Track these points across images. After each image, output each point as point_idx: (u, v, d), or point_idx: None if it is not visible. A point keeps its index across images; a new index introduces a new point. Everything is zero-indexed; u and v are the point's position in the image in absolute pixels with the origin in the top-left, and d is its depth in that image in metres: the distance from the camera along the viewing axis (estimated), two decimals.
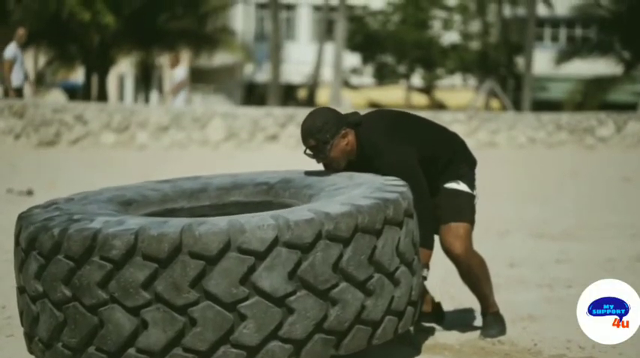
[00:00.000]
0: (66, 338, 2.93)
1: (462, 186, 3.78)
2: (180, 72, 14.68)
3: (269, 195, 3.63)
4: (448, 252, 3.79)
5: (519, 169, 12.46)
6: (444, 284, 5.00)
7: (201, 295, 2.82)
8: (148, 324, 2.83)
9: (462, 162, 3.80)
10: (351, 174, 3.52)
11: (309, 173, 3.65)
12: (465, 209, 3.77)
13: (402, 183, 3.38)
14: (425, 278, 3.55)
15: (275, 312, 2.87)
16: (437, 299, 4.17)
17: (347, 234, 2.98)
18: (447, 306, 4.50)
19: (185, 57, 27.74)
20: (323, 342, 2.96)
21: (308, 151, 3.58)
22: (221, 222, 2.86)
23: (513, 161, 13.50)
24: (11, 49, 12.81)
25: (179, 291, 2.81)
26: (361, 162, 3.61)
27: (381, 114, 3.82)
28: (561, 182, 10.90)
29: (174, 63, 14.81)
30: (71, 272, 2.89)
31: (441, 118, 14.22)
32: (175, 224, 2.86)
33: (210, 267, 2.81)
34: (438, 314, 4.13)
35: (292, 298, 2.89)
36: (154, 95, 31.35)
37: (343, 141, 3.56)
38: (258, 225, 2.85)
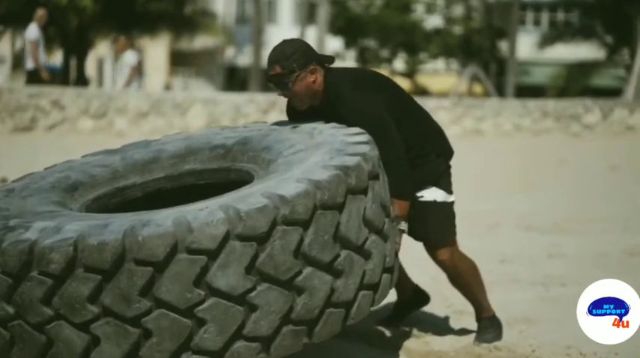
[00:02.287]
0: (16, 357, 2.74)
1: (439, 196, 3.55)
2: (132, 57, 13.94)
3: (226, 159, 3.36)
4: (434, 258, 3.64)
5: (506, 158, 12.38)
6: (436, 282, 4.82)
7: (152, 303, 2.63)
8: (100, 339, 2.65)
9: (437, 152, 3.55)
10: (311, 129, 3.27)
11: (267, 131, 3.39)
12: (448, 229, 3.60)
13: (364, 138, 3.13)
14: (404, 231, 3.33)
15: (236, 311, 2.68)
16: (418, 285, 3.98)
17: (306, 216, 2.75)
18: (439, 308, 4.35)
19: (165, 39, 27.39)
20: (293, 334, 2.79)
21: (271, 80, 3.32)
22: (166, 220, 2.65)
23: (500, 149, 13.42)
24: (34, 31, 12.77)
25: (128, 302, 2.62)
26: (325, 109, 3.36)
27: (353, 68, 3.63)
28: (549, 171, 10.82)
29: (123, 47, 13.93)
30: (11, 288, 2.70)
31: (426, 104, 13.97)
32: (117, 228, 2.65)
33: (159, 273, 2.62)
34: (419, 298, 3.95)
35: (253, 294, 2.70)
36: None
37: (310, 77, 3.31)
38: (207, 222, 2.63)
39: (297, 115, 3.46)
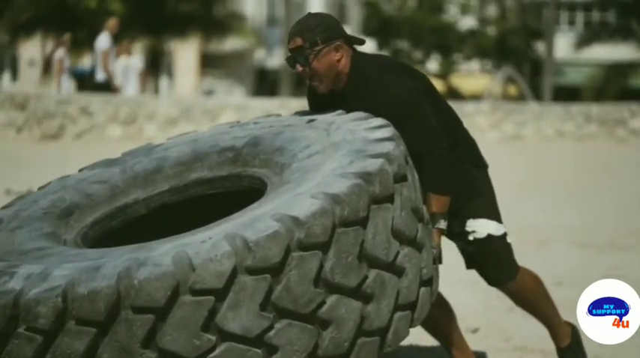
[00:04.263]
0: None
1: (492, 228, 3.12)
2: (137, 62, 14.45)
3: (236, 164, 3.00)
4: None
5: (550, 166, 12.05)
6: (489, 310, 4.45)
7: (157, 355, 2.34)
8: None
9: (473, 162, 3.14)
10: (328, 124, 2.88)
11: (279, 128, 2.99)
12: (510, 264, 3.19)
13: (388, 133, 2.74)
14: (443, 231, 2.91)
15: (253, 355, 2.37)
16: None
17: (324, 238, 2.42)
18: (496, 342, 3.97)
19: (195, 42, 27.26)
20: None
21: (290, 55, 2.94)
22: (165, 258, 2.35)
23: (542, 156, 13.07)
24: (106, 40, 12.99)
25: (130, 355, 2.33)
26: (350, 96, 2.96)
27: (386, 55, 3.25)
28: (596, 180, 10.52)
29: (125, 52, 14.09)
30: None
31: (464, 109, 13.66)
32: (109, 271, 2.35)
33: (161, 320, 2.33)
34: None
35: (271, 333, 2.39)
36: (163, 81, 31.03)
37: (335, 54, 2.91)
38: (210, 257, 2.32)
39: (317, 101, 3.07)
